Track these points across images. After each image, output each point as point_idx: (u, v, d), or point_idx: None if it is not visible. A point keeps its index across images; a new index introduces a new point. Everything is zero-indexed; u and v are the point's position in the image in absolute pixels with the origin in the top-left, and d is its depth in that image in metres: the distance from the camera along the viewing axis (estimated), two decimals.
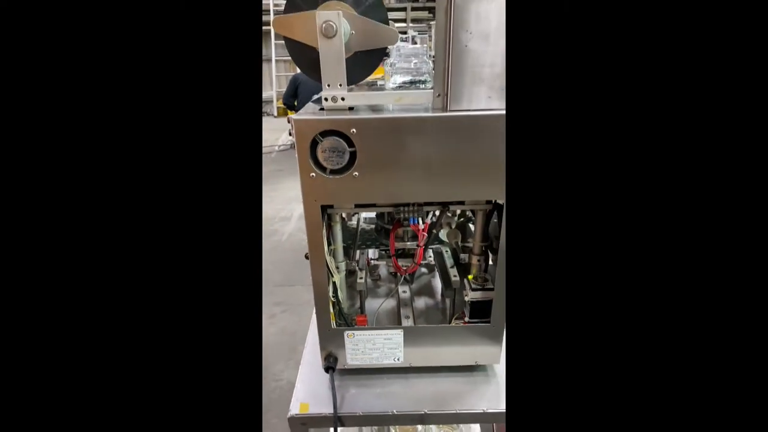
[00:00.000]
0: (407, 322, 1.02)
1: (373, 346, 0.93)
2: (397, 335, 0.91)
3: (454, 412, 0.88)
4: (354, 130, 0.71)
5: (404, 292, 1.16)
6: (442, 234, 1.13)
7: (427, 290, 1.19)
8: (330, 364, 0.92)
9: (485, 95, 0.71)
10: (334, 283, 0.94)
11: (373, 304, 1.13)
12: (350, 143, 0.72)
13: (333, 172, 0.74)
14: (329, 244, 0.90)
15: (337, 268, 0.94)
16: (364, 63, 0.82)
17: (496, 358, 0.94)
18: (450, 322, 0.99)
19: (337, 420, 0.86)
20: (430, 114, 0.71)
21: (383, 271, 1.27)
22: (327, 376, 0.94)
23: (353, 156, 0.73)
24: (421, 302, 1.15)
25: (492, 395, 0.91)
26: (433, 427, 1.37)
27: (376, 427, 1.38)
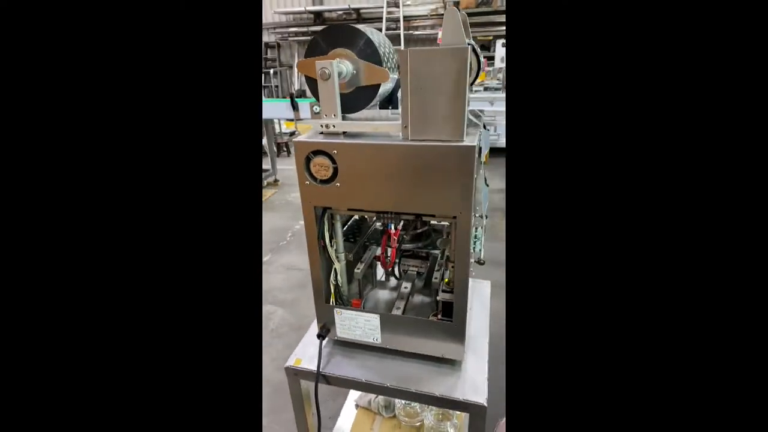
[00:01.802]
0: (395, 311, 1.20)
1: (356, 324, 1.13)
2: (375, 319, 1.10)
3: (411, 390, 1.04)
4: (335, 151, 0.93)
5: (405, 287, 1.33)
6: (440, 242, 1.28)
7: (428, 289, 1.35)
8: (321, 333, 1.15)
9: (436, 129, 0.86)
10: (335, 269, 1.16)
11: (383, 294, 1.34)
12: (333, 161, 0.94)
13: (322, 181, 0.97)
14: (332, 238, 1.13)
15: (337, 258, 1.16)
16: (364, 95, 1.03)
17: (459, 353, 1.07)
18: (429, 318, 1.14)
19: (319, 375, 1.09)
20: (388, 142, 0.89)
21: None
22: (324, 342, 1.18)
23: (336, 171, 0.95)
24: (419, 297, 1.31)
25: (450, 385, 1.05)
26: (429, 415, 1.51)
27: (381, 400, 1.57)
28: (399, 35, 7.24)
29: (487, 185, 1.14)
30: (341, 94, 1.04)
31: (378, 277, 1.44)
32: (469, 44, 0.94)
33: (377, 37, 1.04)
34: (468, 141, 0.85)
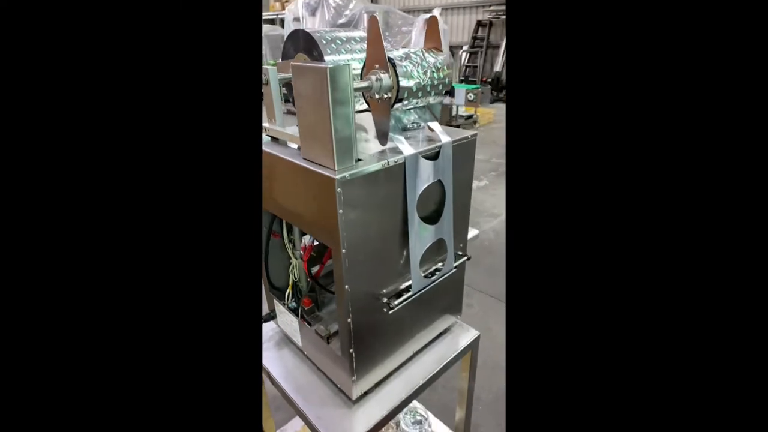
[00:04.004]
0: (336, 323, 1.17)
1: (287, 321, 1.17)
2: (294, 323, 1.12)
3: (295, 403, 1.03)
4: None
5: None
6: None
7: None
8: (265, 317, 1.24)
9: (315, 152, 0.79)
10: (293, 265, 1.21)
11: None
12: None
13: None
14: (289, 233, 1.18)
15: (293, 254, 1.20)
16: None
17: (348, 389, 0.99)
18: None
19: None
20: (283, 155, 0.87)
21: None
22: (275, 327, 1.27)
23: None
24: None
25: (330, 417, 0.99)
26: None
27: None
28: None
29: (432, 223, 0.96)
30: None
31: None
32: (390, 59, 0.81)
33: (348, 46, 0.98)
34: (334, 173, 0.75)
